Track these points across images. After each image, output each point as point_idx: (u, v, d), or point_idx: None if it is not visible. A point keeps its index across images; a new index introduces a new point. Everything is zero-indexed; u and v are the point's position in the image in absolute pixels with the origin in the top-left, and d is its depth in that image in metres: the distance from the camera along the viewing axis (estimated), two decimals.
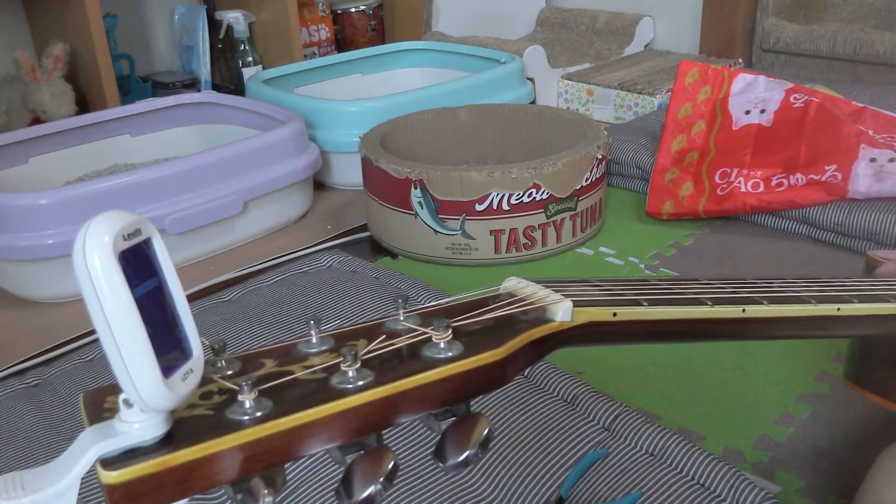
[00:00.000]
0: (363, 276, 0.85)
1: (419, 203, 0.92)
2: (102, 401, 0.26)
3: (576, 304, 0.32)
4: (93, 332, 0.84)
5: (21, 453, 0.61)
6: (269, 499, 0.25)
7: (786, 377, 0.70)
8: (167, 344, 0.24)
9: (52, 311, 0.90)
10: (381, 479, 0.27)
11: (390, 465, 0.27)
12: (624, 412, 0.60)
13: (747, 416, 0.65)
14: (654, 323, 0.34)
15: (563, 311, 0.31)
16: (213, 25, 1.63)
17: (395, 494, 0.54)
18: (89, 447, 0.23)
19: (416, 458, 0.58)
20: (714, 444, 0.62)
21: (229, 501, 0.26)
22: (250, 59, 1.64)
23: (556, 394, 0.63)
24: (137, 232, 0.24)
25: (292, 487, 0.55)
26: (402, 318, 0.31)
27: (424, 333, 0.29)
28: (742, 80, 1.02)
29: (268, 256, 1.00)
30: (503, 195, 0.89)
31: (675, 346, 0.74)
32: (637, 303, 0.34)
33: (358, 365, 0.27)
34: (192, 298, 0.86)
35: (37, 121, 1.36)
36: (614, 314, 0.33)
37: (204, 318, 0.79)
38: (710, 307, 0.35)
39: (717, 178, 0.99)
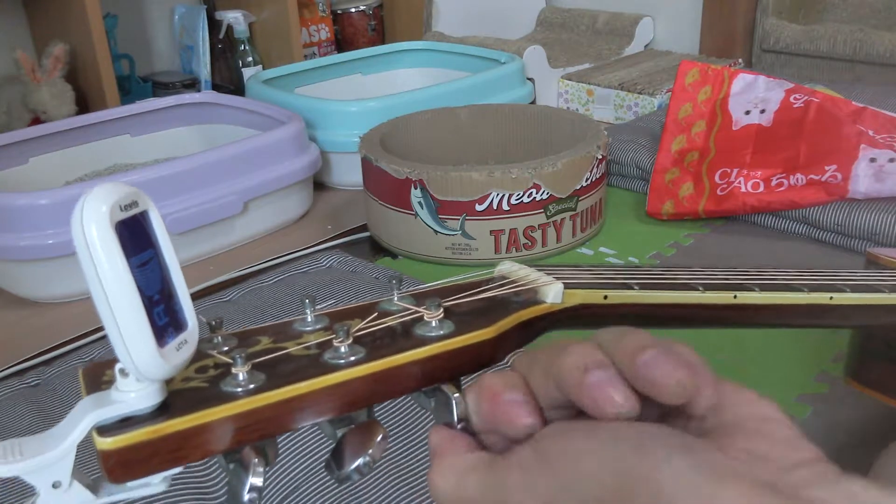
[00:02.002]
0: (363, 276, 0.85)
1: (419, 203, 0.92)
2: (101, 373, 0.26)
3: (567, 287, 0.32)
4: (93, 332, 0.84)
5: None
6: (259, 468, 0.26)
7: (786, 377, 0.70)
8: (162, 314, 0.24)
9: (52, 311, 0.90)
10: (370, 451, 0.27)
11: (379, 438, 0.27)
12: None
13: None
14: (645, 307, 0.34)
15: (553, 293, 0.32)
16: (213, 25, 1.63)
17: (394, 494, 0.54)
18: (86, 415, 0.24)
19: (417, 458, 0.58)
20: None
21: (222, 471, 0.26)
22: (250, 59, 1.64)
23: None
24: (134, 203, 0.24)
25: (292, 487, 0.55)
26: (395, 299, 0.31)
27: (416, 312, 0.30)
28: (742, 80, 1.02)
29: (268, 256, 1.00)
30: (503, 195, 0.89)
31: None
32: (628, 286, 0.34)
33: (350, 341, 0.28)
34: (192, 298, 0.86)
35: (37, 121, 1.36)
36: (605, 297, 0.33)
37: (204, 317, 0.79)
38: (702, 293, 0.35)
39: (717, 179, 0.99)
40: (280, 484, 0.55)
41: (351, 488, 0.55)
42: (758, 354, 0.73)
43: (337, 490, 0.55)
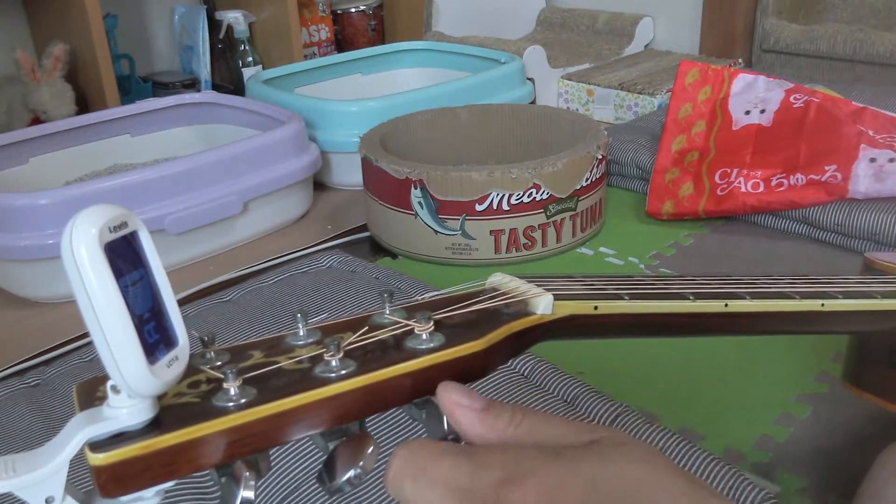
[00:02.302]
0: (363, 276, 0.85)
1: (419, 203, 0.92)
2: (95, 390, 0.27)
3: (557, 298, 0.32)
4: None
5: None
6: (251, 482, 0.26)
7: (786, 377, 0.70)
8: (153, 332, 0.25)
9: (52, 311, 0.90)
10: (361, 463, 0.27)
11: (370, 450, 0.28)
12: (624, 412, 0.60)
13: (747, 416, 0.65)
14: (635, 317, 0.34)
15: (543, 305, 0.32)
16: (213, 25, 1.63)
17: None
18: (78, 431, 0.24)
19: None
20: (714, 444, 0.62)
21: (215, 485, 0.26)
22: (250, 59, 1.64)
23: (556, 394, 0.63)
24: (124, 224, 0.24)
25: (292, 487, 0.55)
26: (387, 313, 0.32)
27: (406, 325, 0.30)
28: (742, 80, 1.02)
29: (268, 256, 1.00)
30: (503, 195, 0.89)
31: (675, 346, 0.74)
32: (619, 297, 0.34)
33: (341, 355, 0.28)
34: (192, 298, 0.86)
35: (37, 121, 1.36)
36: (595, 308, 0.33)
37: (204, 318, 0.79)
38: (692, 301, 0.36)
39: (717, 179, 0.99)
40: (280, 484, 0.55)
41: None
42: (758, 354, 0.73)
43: None
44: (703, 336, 0.38)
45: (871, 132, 0.94)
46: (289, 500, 0.54)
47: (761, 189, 0.96)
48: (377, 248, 1.01)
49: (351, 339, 0.29)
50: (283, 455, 0.57)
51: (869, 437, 0.62)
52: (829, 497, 0.57)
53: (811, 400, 0.67)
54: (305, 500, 0.54)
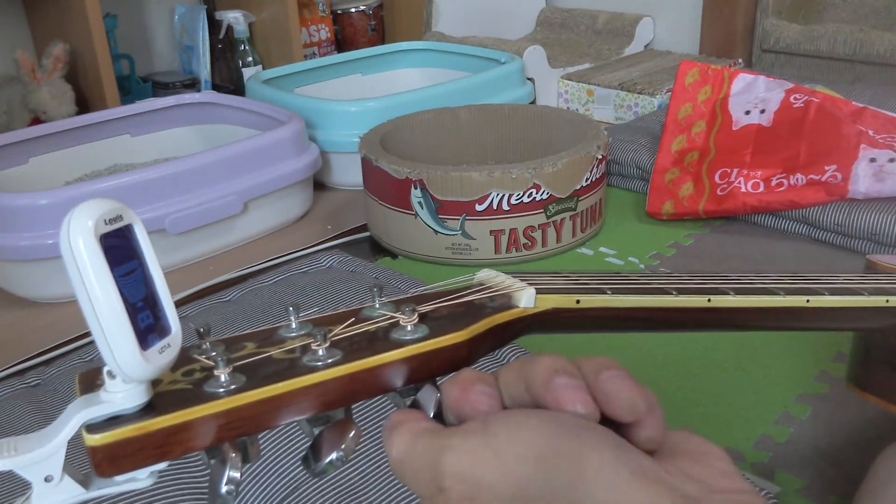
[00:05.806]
0: (363, 276, 0.85)
1: (419, 203, 0.92)
2: (95, 378, 0.28)
3: (539, 292, 0.33)
4: None
5: None
6: (237, 462, 0.27)
7: (786, 377, 0.70)
8: (146, 320, 0.26)
9: (52, 311, 0.90)
10: (344, 446, 0.29)
11: (351, 434, 0.29)
12: None
13: (747, 416, 0.65)
14: (618, 311, 0.35)
15: (526, 298, 0.33)
16: (213, 25, 1.64)
17: (394, 494, 0.54)
18: (76, 414, 0.26)
19: None
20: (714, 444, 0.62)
21: (205, 467, 0.27)
22: (250, 59, 1.64)
23: None
24: (119, 218, 0.26)
25: (292, 487, 0.55)
26: (377, 306, 0.33)
27: (392, 318, 0.31)
28: (742, 80, 1.02)
29: (268, 256, 1.00)
30: (503, 195, 0.89)
31: (675, 346, 0.74)
32: (601, 291, 0.35)
33: (327, 345, 0.29)
34: (192, 298, 0.86)
35: (37, 121, 1.36)
36: (577, 301, 0.34)
37: (204, 318, 0.79)
38: (675, 296, 0.36)
39: (717, 179, 0.99)
40: (280, 484, 0.55)
41: (351, 488, 0.55)
42: (758, 354, 0.73)
43: (337, 490, 0.55)
44: (688, 331, 0.39)
45: (871, 132, 0.94)
46: (289, 500, 0.54)
47: (761, 189, 0.96)
48: (377, 248, 1.01)
49: (338, 331, 0.31)
50: (284, 455, 0.57)
51: (869, 437, 0.62)
52: (829, 497, 0.57)
53: (811, 400, 0.67)
54: (305, 500, 0.54)
